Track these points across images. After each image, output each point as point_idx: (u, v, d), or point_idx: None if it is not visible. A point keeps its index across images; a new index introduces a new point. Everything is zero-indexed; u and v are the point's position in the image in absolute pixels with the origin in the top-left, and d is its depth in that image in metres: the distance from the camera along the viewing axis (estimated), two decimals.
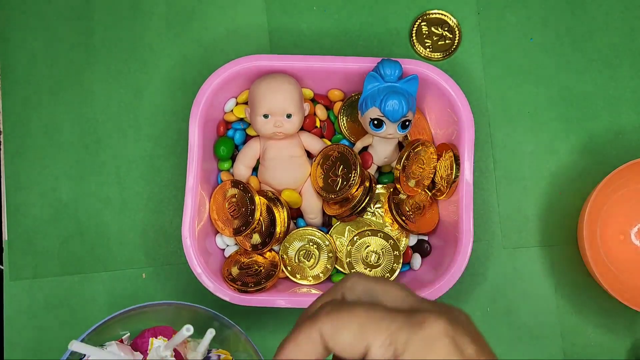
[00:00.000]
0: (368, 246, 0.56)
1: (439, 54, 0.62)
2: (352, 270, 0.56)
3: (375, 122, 0.53)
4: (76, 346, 0.35)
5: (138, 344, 0.45)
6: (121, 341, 0.44)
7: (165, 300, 0.51)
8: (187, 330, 0.34)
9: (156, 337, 0.44)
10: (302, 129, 0.57)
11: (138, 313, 0.45)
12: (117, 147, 0.62)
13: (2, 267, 0.61)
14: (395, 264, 0.56)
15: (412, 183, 0.56)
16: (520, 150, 0.62)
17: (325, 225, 0.59)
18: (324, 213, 0.58)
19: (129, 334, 0.46)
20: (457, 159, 0.55)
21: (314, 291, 0.55)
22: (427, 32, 0.62)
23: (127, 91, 0.62)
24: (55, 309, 0.60)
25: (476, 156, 0.61)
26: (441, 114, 0.57)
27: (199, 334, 0.43)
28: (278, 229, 0.55)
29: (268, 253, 0.57)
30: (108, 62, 0.62)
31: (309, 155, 0.58)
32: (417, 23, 0.62)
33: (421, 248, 0.58)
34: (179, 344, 0.41)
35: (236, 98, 0.58)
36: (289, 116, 0.54)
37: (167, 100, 0.62)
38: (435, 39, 0.62)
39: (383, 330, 0.27)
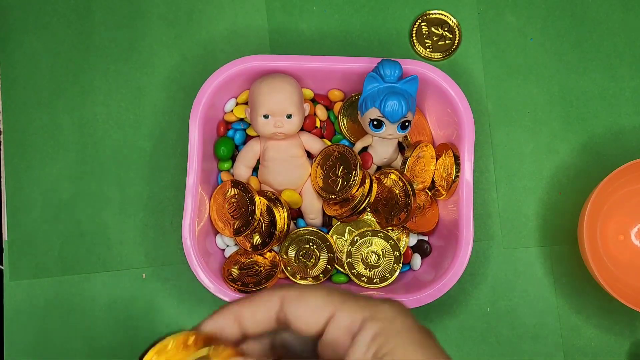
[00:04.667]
0: (368, 246, 0.56)
1: (439, 54, 0.62)
2: (353, 271, 0.56)
3: (375, 122, 0.53)
4: None
5: None
6: None
7: None
8: None
9: None
10: (302, 129, 0.57)
11: None
12: (117, 147, 0.61)
13: (2, 267, 0.61)
14: (395, 265, 0.56)
15: (415, 185, 0.56)
16: (520, 150, 0.62)
17: (326, 225, 0.59)
18: (324, 213, 0.58)
19: None
20: (457, 159, 0.55)
21: None
22: (427, 33, 0.62)
23: (127, 91, 0.62)
24: (55, 309, 0.60)
25: (476, 156, 0.61)
26: (441, 114, 0.57)
27: None
28: (278, 230, 0.55)
29: (268, 253, 0.57)
30: (108, 62, 0.62)
31: (309, 155, 0.58)
32: (417, 23, 0.62)
33: (421, 248, 0.58)
34: None
35: (236, 98, 0.58)
36: (289, 116, 0.54)
37: (167, 100, 0.62)
38: (435, 39, 0.62)
39: (348, 304, 0.27)
